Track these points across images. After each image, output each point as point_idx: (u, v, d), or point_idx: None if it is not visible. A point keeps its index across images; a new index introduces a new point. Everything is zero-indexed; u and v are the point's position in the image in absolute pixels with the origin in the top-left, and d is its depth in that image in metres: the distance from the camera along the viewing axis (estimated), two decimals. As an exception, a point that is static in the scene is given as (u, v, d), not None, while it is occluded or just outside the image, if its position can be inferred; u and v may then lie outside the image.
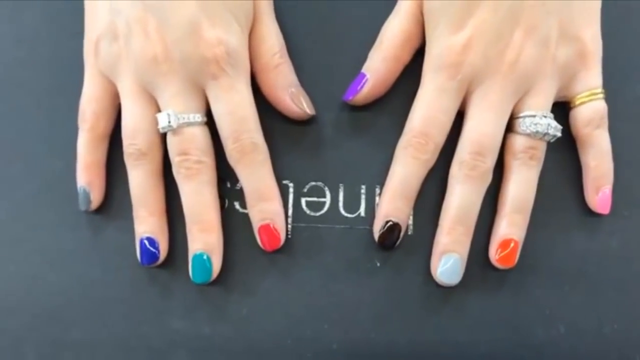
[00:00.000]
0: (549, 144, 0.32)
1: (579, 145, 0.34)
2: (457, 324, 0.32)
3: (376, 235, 0.32)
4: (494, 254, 0.32)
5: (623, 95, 0.34)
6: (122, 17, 0.31)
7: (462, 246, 0.32)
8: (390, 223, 0.31)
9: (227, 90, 0.31)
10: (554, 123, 0.32)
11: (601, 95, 0.33)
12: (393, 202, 0.32)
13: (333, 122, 0.34)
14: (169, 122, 0.30)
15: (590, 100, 0.33)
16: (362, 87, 0.32)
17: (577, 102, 0.33)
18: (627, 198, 0.34)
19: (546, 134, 0.32)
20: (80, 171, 0.33)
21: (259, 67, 0.32)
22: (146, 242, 0.32)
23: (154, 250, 0.31)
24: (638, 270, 0.33)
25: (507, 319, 0.32)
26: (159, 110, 0.31)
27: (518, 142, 0.32)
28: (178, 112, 0.30)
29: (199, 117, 0.31)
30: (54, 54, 0.35)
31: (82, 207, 0.33)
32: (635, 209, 0.34)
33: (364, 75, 0.33)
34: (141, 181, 0.32)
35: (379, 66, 0.33)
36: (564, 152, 0.34)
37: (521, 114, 0.32)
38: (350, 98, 0.33)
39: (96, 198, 0.33)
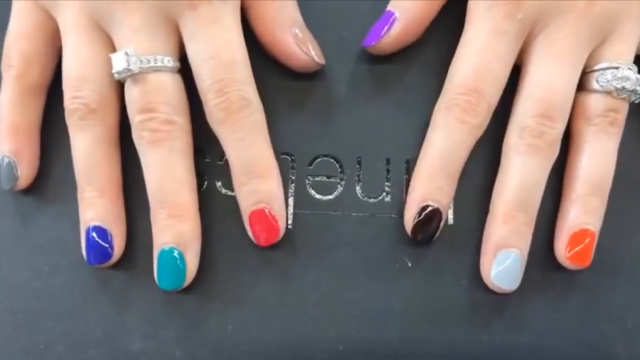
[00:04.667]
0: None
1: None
2: (513, 342, 0.27)
3: (409, 226, 0.27)
4: (563, 251, 0.27)
5: None
6: None
7: (523, 239, 0.27)
8: (430, 208, 0.26)
9: (209, 23, 0.26)
10: (642, 78, 0.27)
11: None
12: (432, 181, 0.27)
13: (349, 76, 0.29)
14: (128, 64, 0.25)
15: (686, 51, 0.28)
16: (389, 28, 0.27)
17: (668, 54, 0.28)
18: None
19: (633, 91, 0.26)
20: (3, 136, 0.28)
21: (252, -2, 0.27)
22: (94, 233, 0.27)
23: (105, 244, 0.27)
24: None
25: (578, 335, 0.27)
26: (115, 51, 0.26)
27: (594, 102, 0.27)
28: (141, 52, 0.26)
29: (170, 61, 0.26)
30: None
31: (6, 186, 0.28)
32: None
33: (391, 14, 0.28)
34: (89, 149, 0.27)
35: (411, 1, 0.27)
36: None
37: (598, 66, 0.27)
38: (373, 43, 0.28)
39: (25, 173, 0.28)
